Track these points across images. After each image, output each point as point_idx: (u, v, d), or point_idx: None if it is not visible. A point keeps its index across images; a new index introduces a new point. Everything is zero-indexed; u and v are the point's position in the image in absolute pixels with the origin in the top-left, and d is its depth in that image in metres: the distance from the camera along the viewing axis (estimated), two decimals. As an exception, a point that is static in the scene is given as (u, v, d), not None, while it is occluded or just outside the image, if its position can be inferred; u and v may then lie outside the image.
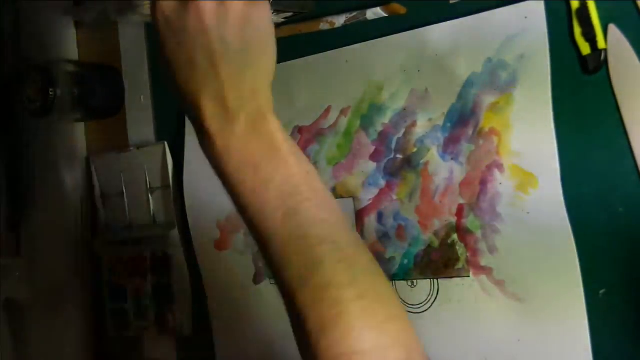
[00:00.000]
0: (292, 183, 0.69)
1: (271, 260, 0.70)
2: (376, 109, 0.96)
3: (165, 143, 1.17)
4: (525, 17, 0.84)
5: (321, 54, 1.00)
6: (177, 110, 1.16)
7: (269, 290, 1.08)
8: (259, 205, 0.71)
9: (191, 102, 0.71)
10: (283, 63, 1.03)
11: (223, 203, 1.09)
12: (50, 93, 1.20)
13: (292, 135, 1.03)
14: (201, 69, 0.70)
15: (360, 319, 0.64)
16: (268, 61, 0.74)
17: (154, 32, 0.72)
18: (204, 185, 1.13)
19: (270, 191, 0.69)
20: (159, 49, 0.72)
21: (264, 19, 0.74)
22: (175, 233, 1.17)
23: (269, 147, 0.70)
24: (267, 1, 0.76)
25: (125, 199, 1.25)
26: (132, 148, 1.23)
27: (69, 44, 1.32)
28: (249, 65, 0.72)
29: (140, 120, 1.23)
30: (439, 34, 0.91)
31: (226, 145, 0.71)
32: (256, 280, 1.09)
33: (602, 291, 0.82)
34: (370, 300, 0.66)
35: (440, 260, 0.92)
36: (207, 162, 1.10)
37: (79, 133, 1.32)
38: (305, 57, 1.02)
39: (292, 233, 0.68)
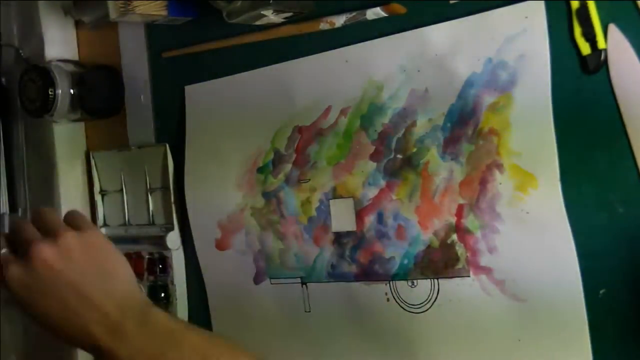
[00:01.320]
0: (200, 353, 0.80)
1: None
2: (376, 109, 0.96)
3: (167, 145, 1.17)
4: (526, 17, 0.84)
5: (321, 53, 1.00)
6: (178, 111, 1.16)
7: (269, 291, 1.08)
8: None
9: (80, 336, 0.82)
10: (283, 63, 1.04)
11: (224, 203, 1.11)
12: (50, 93, 1.20)
13: (292, 135, 1.04)
14: (74, 304, 0.82)
15: None
16: (124, 268, 0.88)
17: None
18: (205, 185, 1.13)
19: None
20: (29, 314, 0.84)
21: (99, 238, 0.89)
22: (173, 236, 1.17)
23: (165, 333, 0.81)
24: (91, 223, 0.93)
25: (124, 197, 1.25)
26: (133, 147, 1.23)
27: (69, 44, 1.32)
28: (111, 278, 0.85)
29: (140, 121, 1.23)
30: (439, 33, 0.90)
31: (129, 353, 0.80)
32: (257, 280, 1.09)
33: (602, 291, 0.82)
34: None
35: (440, 260, 0.92)
36: (208, 165, 1.11)
37: (78, 133, 1.32)
38: (305, 57, 1.02)
39: None
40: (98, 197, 1.29)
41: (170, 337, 0.81)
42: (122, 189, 1.25)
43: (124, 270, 0.88)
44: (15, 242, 0.86)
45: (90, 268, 0.84)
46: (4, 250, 0.86)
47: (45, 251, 0.83)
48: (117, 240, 1.22)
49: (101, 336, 0.80)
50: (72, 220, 0.90)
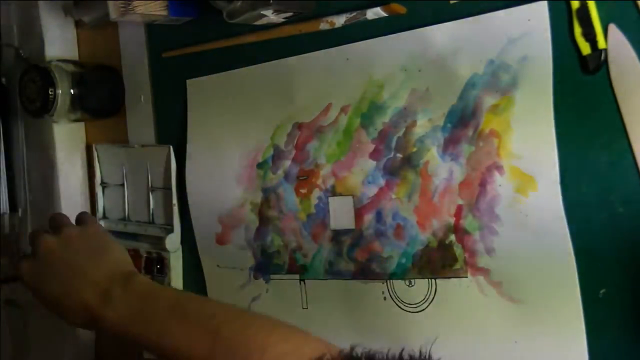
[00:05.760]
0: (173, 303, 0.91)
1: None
2: (376, 107, 0.96)
3: (171, 147, 1.17)
4: (529, 20, 0.84)
5: (322, 50, 1.00)
6: (178, 111, 1.16)
7: (268, 285, 1.08)
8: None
9: (78, 308, 0.93)
10: (284, 59, 1.04)
11: (224, 198, 1.11)
12: (50, 93, 1.20)
13: (292, 131, 1.04)
14: (71, 280, 0.95)
15: None
16: (116, 246, 1.03)
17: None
18: (206, 179, 1.13)
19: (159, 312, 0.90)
20: (39, 299, 0.99)
21: (97, 229, 1.07)
22: (172, 238, 1.17)
23: (145, 292, 0.93)
24: (94, 219, 1.19)
25: (125, 192, 1.25)
26: (136, 145, 1.23)
27: (69, 44, 1.32)
28: (103, 255, 0.99)
29: (141, 121, 1.23)
30: (442, 34, 0.90)
31: (116, 315, 0.90)
32: (255, 275, 1.09)
33: (602, 291, 0.82)
34: None
35: (438, 260, 0.92)
36: (209, 159, 1.11)
37: (78, 133, 1.33)
38: (306, 54, 1.02)
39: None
40: (99, 189, 1.29)
41: (148, 295, 0.92)
42: (123, 184, 1.25)
43: (116, 247, 1.02)
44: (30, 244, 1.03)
45: (85, 250, 0.99)
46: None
47: (48, 241, 1.00)
48: (116, 234, 1.24)
49: (93, 303, 0.92)
50: (79, 219, 1.08)
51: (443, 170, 0.91)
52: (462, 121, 0.90)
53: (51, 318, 1.33)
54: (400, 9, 0.92)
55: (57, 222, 1.05)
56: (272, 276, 1.07)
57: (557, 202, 0.83)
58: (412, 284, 0.94)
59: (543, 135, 0.84)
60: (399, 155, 0.95)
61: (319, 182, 1.01)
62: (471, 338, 0.91)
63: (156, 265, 1.19)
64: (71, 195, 1.31)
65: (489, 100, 0.88)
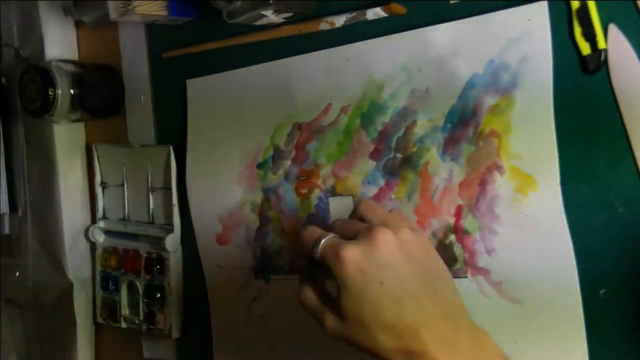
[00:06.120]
0: None
1: None
2: (376, 107, 0.96)
3: (171, 147, 1.17)
4: (529, 20, 0.84)
5: (322, 50, 1.00)
6: (178, 111, 1.16)
7: (268, 286, 1.08)
8: None
9: (407, 335, 0.74)
10: (284, 59, 1.04)
11: (225, 198, 1.11)
12: (50, 93, 1.20)
13: (292, 131, 1.04)
14: (412, 298, 0.75)
15: None
16: (450, 276, 0.81)
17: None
18: (207, 179, 1.13)
19: None
20: (354, 299, 0.76)
21: (427, 242, 0.82)
22: (172, 238, 1.17)
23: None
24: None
25: (125, 192, 1.25)
26: (136, 145, 1.23)
27: (69, 44, 1.32)
28: (446, 281, 0.79)
29: (140, 121, 1.23)
30: (442, 34, 0.90)
31: None
32: (256, 275, 1.09)
33: (602, 291, 0.82)
34: None
35: (438, 260, 0.92)
36: (209, 159, 1.11)
37: (78, 133, 1.33)
38: (306, 54, 1.01)
39: None
40: (98, 189, 1.29)
41: None
42: (123, 184, 1.25)
43: (450, 279, 0.81)
44: (344, 230, 0.82)
45: (427, 265, 0.78)
46: (332, 235, 0.80)
47: (389, 236, 0.77)
48: (115, 235, 1.23)
49: (432, 342, 0.74)
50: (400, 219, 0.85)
51: (443, 170, 0.91)
52: (462, 121, 0.90)
53: (52, 317, 1.34)
54: (400, 9, 0.92)
55: (380, 218, 0.84)
56: (272, 276, 1.07)
57: (557, 202, 0.83)
58: (413, 283, 0.94)
59: (543, 135, 0.84)
60: (399, 156, 0.94)
61: (319, 182, 1.01)
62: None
63: (156, 266, 1.19)
64: (71, 195, 1.31)
65: (489, 100, 0.88)
